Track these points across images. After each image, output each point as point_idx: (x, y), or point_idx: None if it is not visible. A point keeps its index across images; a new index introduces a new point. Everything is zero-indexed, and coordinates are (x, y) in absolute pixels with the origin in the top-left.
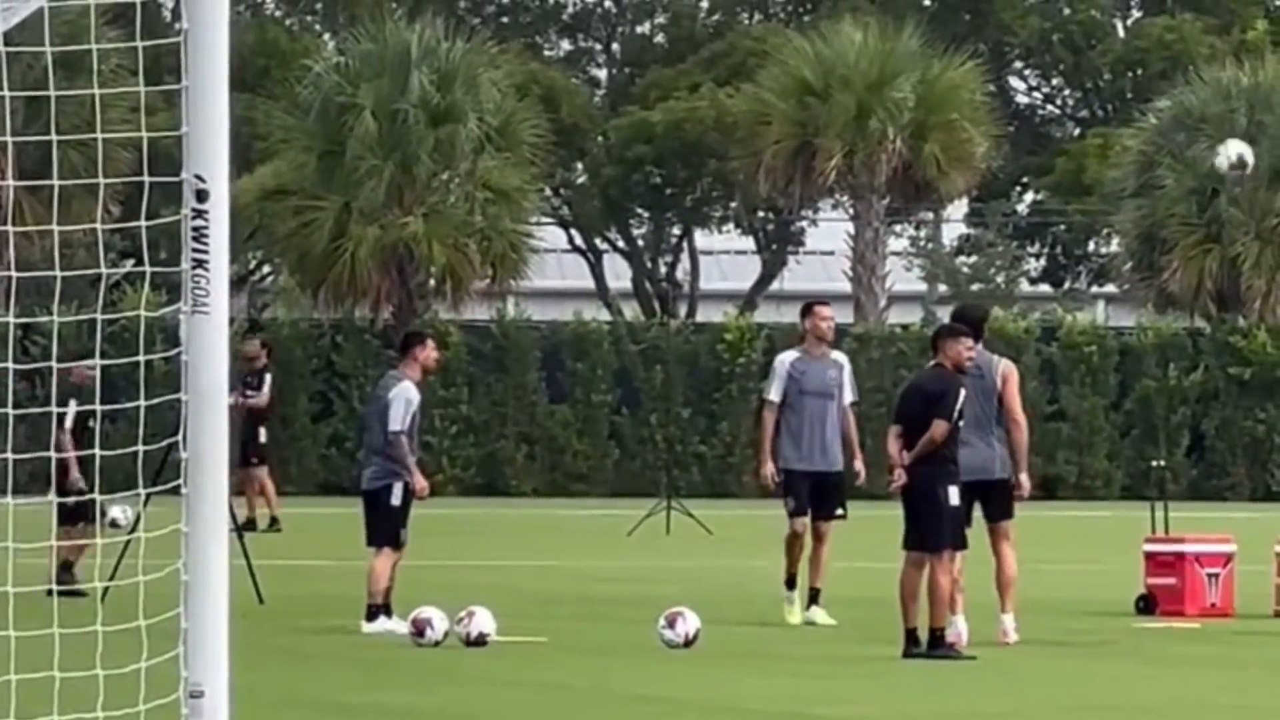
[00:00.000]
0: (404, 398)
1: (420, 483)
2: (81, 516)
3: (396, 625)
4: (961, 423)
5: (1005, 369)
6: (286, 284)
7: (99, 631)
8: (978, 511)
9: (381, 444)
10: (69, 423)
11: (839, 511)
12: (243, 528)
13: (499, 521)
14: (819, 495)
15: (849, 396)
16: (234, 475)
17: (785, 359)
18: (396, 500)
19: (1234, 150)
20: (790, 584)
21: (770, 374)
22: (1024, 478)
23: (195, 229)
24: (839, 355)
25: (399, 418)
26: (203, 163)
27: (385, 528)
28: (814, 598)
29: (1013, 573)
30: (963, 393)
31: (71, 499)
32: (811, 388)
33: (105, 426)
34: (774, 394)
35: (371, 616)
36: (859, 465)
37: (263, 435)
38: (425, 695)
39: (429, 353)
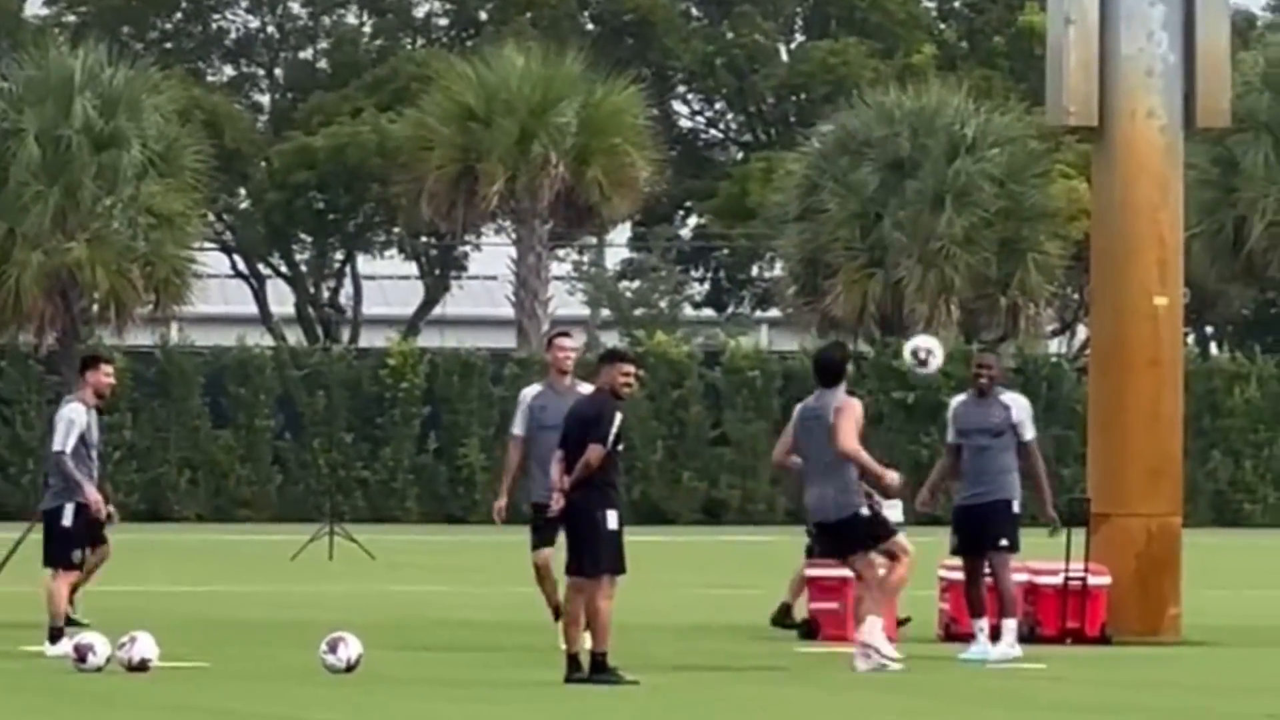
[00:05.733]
0: (67, 419)
1: (93, 497)
2: None
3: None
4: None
5: (840, 403)
6: None
7: None
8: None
9: (52, 465)
10: None
11: None
12: None
13: (162, 547)
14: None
15: None
16: None
17: (528, 393)
18: (67, 521)
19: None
20: (557, 614)
21: (515, 408)
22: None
23: None
24: (586, 387)
25: (61, 438)
26: None
27: (58, 549)
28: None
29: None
30: (618, 417)
31: None
32: (551, 422)
33: None
34: (516, 428)
35: (54, 639)
36: None
37: None
38: None
39: (100, 375)
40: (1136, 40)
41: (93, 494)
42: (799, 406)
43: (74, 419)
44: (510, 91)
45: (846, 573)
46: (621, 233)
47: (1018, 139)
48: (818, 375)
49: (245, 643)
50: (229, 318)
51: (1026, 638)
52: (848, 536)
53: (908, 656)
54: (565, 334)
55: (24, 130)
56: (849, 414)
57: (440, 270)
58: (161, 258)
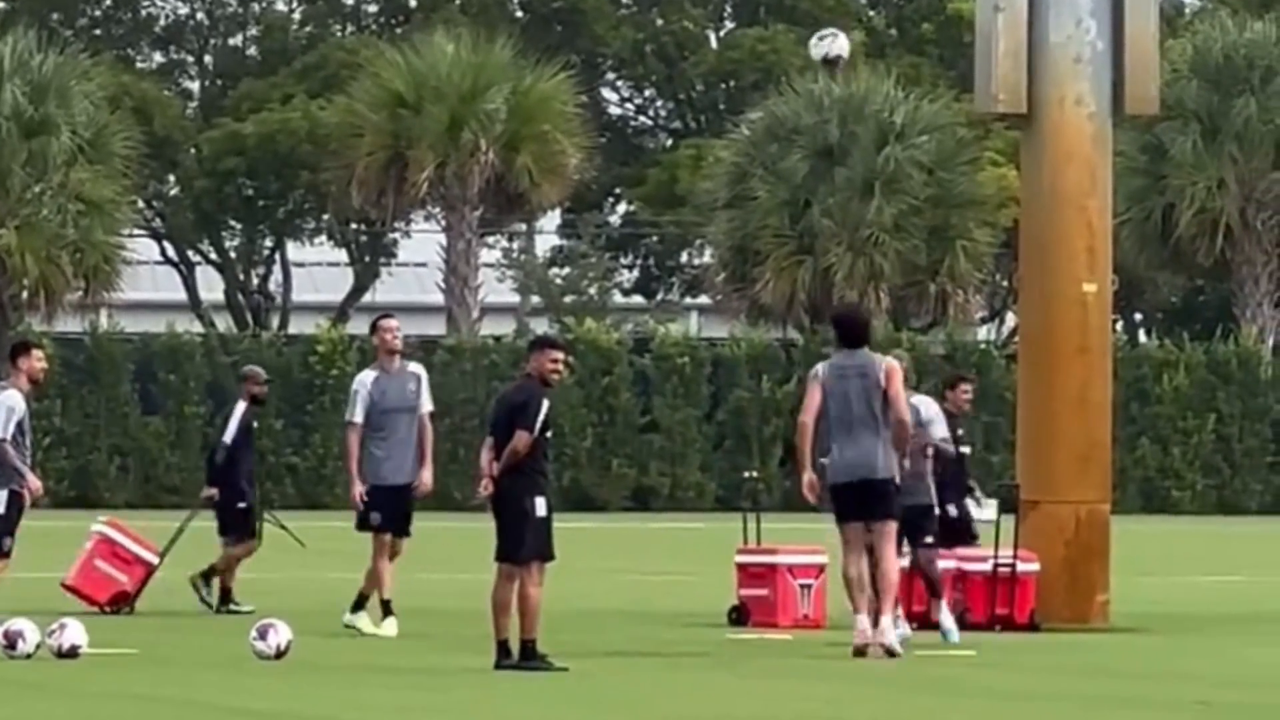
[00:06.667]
0: (7, 406)
1: (35, 484)
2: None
3: None
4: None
5: (889, 365)
6: None
7: None
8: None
9: None
10: None
11: (408, 531)
12: None
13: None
14: (399, 507)
15: (426, 406)
16: None
17: (365, 379)
18: (1, 508)
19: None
20: (385, 609)
21: (351, 396)
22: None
23: None
24: (415, 367)
25: (1, 426)
26: None
27: None
28: (361, 603)
29: (894, 576)
30: (546, 403)
31: None
32: (392, 405)
33: None
34: (357, 415)
35: None
36: (426, 475)
37: None
38: (15, 708)
39: (33, 362)
40: (1065, 27)
41: (33, 481)
42: (825, 365)
43: (14, 406)
44: (440, 79)
45: (776, 559)
46: (551, 220)
47: (946, 126)
48: (846, 340)
49: (175, 630)
50: (158, 304)
51: (957, 624)
52: (887, 499)
53: (837, 642)
54: (388, 315)
55: None
56: (901, 377)
57: (370, 257)
58: (91, 244)
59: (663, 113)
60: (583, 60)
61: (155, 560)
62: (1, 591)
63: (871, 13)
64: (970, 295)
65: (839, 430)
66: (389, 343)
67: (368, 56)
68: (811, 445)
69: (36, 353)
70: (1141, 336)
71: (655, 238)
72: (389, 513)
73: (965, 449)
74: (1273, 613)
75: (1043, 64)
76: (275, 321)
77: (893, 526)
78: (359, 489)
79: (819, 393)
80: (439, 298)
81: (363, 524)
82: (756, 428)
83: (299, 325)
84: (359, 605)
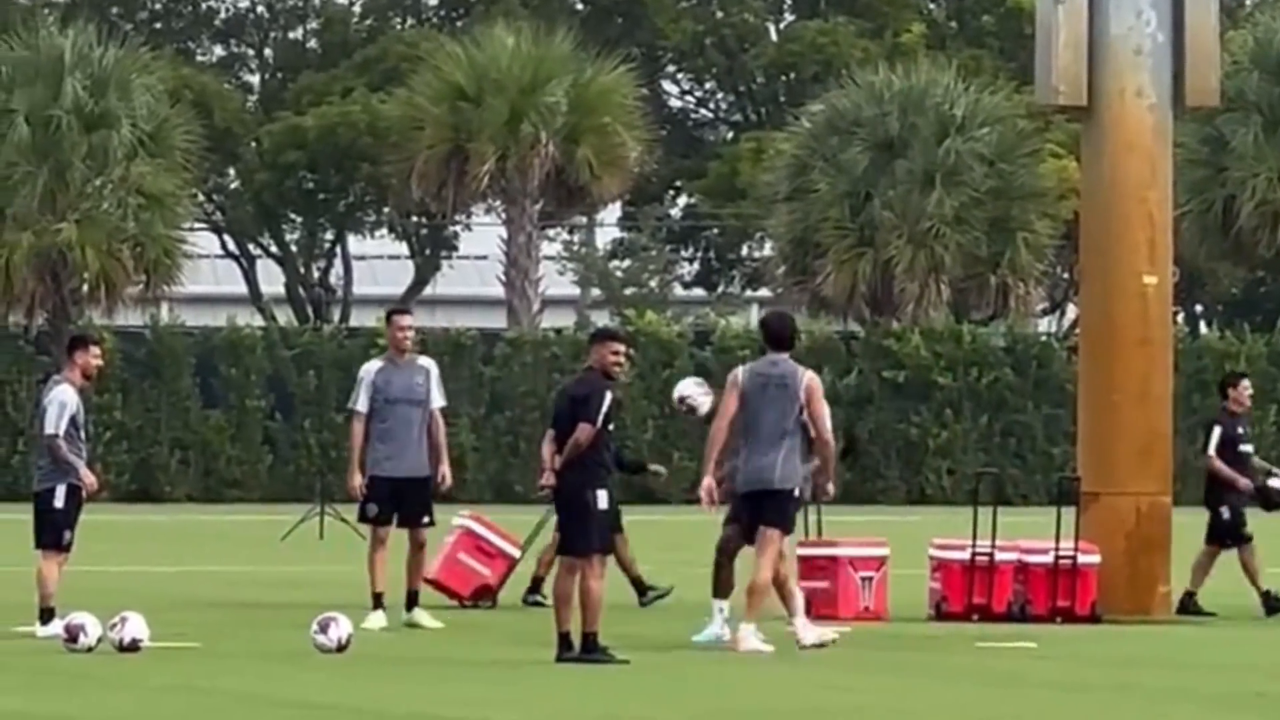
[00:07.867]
0: (59, 401)
1: (89, 479)
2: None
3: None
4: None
5: (810, 382)
6: None
7: None
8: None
9: (43, 448)
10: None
11: (426, 520)
12: None
13: (153, 527)
14: (404, 501)
15: (437, 401)
16: None
17: (370, 368)
18: (59, 502)
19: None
20: (376, 602)
21: (356, 384)
22: (830, 487)
23: None
24: (425, 361)
25: (53, 421)
26: None
27: (49, 530)
28: (413, 600)
29: (761, 581)
30: (609, 396)
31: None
32: (396, 396)
33: None
34: (360, 404)
35: (45, 620)
36: (445, 470)
37: None
38: (79, 700)
39: (89, 357)
40: (1125, 19)
41: (87, 475)
42: (746, 370)
43: (65, 401)
44: (500, 71)
45: (837, 551)
46: (611, 212)
47: (1007, 118)
48: (773, 342)
49: (236, 623)
50: (219, 298)
51: (1018, 616)
52: (784, 509)
53: (897, 635)
54: (404, 311)
55: (14, 111)
56: (821, 394)
57: (430, 250)
58: (151, 238)
59: (723, 105)
60: (643, 53)
61: (517, 554)
62: (62, 585)
63: (932, 5)
64: (1031, 287)
65: (749, 438)
66: (399, 341)
67: (428, 49)
68: (720, 451)
69: (94, 349)
70: (1202, 328)
71: (716, 230)
72: (385, 504)
73: (1248, 447)
74: None
75: (1103, 56)
76: (336, 315)
77: (775, 534)
78: (358, 479)
79: (736, 399)
80: (500, 291)
81: (361, 515)
82: None
83: (360, 318)
84: (411, 601)
